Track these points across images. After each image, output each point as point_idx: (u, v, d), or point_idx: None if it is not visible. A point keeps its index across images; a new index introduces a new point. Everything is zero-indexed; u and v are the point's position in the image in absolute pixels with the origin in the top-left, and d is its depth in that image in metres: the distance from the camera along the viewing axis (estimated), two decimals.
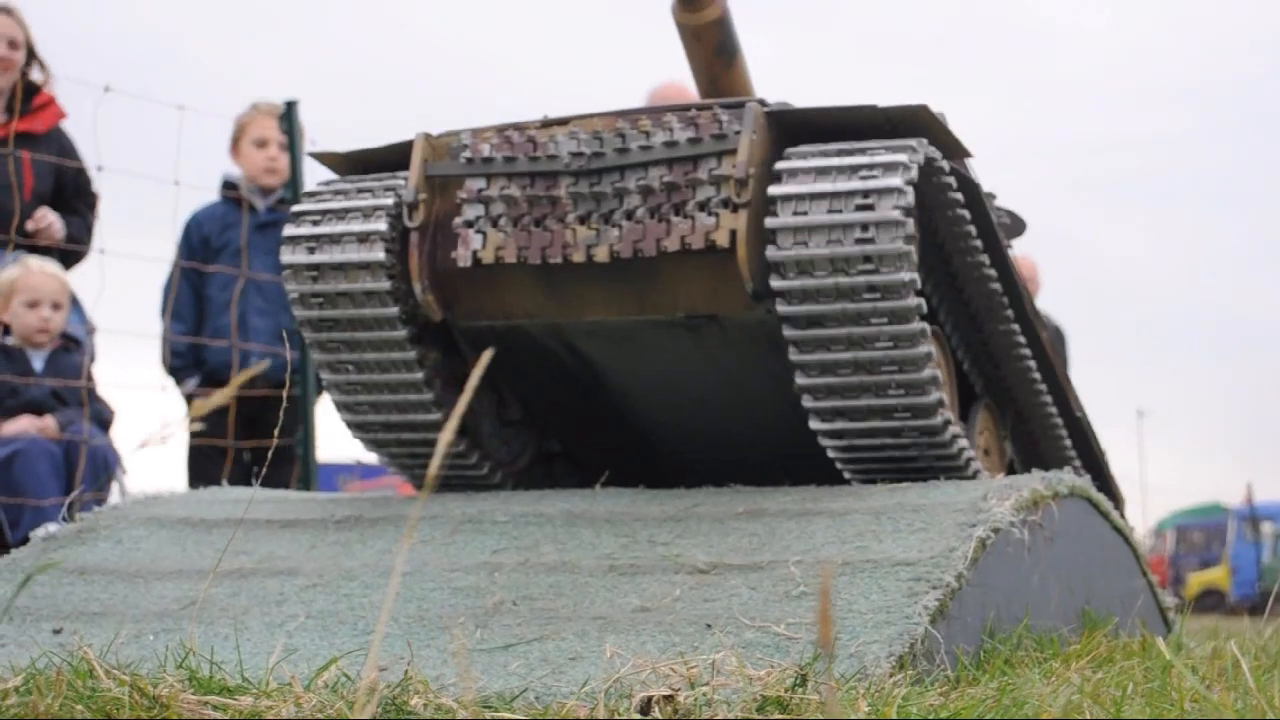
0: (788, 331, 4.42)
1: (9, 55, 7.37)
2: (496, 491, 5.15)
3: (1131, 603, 4.92)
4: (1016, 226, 5.71)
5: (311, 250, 4.81)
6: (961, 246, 4.86)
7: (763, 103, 4.47)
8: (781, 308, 4.37)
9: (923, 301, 4.36)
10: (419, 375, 4.92)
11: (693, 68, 5.13)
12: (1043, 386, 5.56)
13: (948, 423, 4.60)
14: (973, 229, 4.83)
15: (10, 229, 7.14)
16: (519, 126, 4.65)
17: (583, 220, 4.53)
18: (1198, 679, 3.39)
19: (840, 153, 4.37)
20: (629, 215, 4.48)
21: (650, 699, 3.15)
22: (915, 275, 4.30)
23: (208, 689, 3.37)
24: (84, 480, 6.94)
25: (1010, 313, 5.15)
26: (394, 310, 4.77)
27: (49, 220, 7.30)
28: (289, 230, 4.87)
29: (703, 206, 4.42)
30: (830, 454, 4.73)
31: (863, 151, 4.35)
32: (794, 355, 4.44)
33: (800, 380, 4.48)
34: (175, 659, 3.72)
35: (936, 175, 4.58)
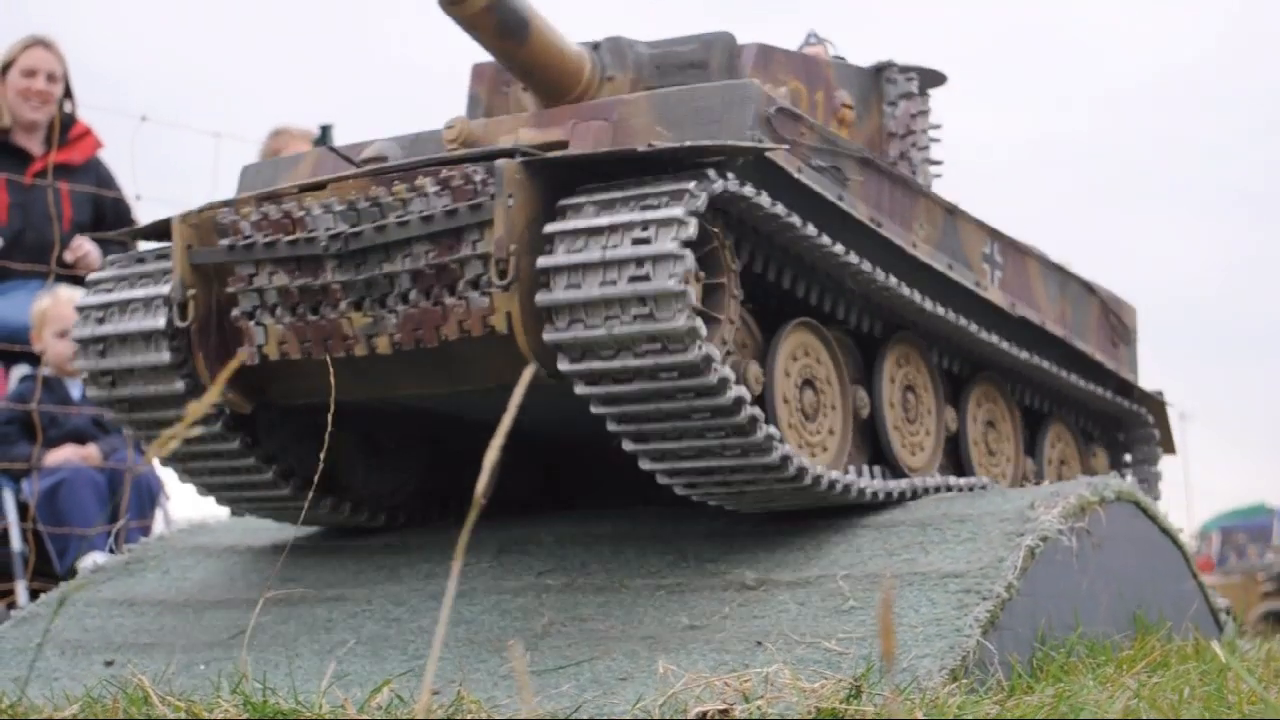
0: (589, 401, 4.08)
1: (48, 89, 7.43)
2: (539, 515, 5.15)
3: (1183, 606, 4.89)
4: (934, 77, 5.36)
5: (101, 353, 4.50)
6: (827, 268, 4.50)
7: (518, 153, 4.08)
8: (578, 388, 4.03)
9: (713, 351, 3.92)
10: (250, 461, 4.61)
11: (486, 51, 4.73)
12: (1043, 363, 5.40)
13: (769, 437, 4.13)
14: (833, 247, 4.39)
15: (51, 259, 7.18)
16: (276, 197, 4.31)
17: (357, 306, 4.19)
18: (1255, 680, 3.37)
19: (616, 202, 3.96)
20: (403, 298, 4.15)
21: (705, 714, 3.15)
22: (707, 349, 3.89)
23: (262, 713, 3.38)
24: (129, 508, 6.97)
25: (924, 301, 4.77)
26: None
27: (86, 250, 7.35)
28: (78, 313, 4.54)
29: (475, 284, 4.06)
30: (668, 484, 4.31)
31: (639, 201, 3.94)
32: (595, 409, 4.08)
33: (612, 427, 4.11)
34: (229, 685, 3.73)
35: (749, 212, 4.15)
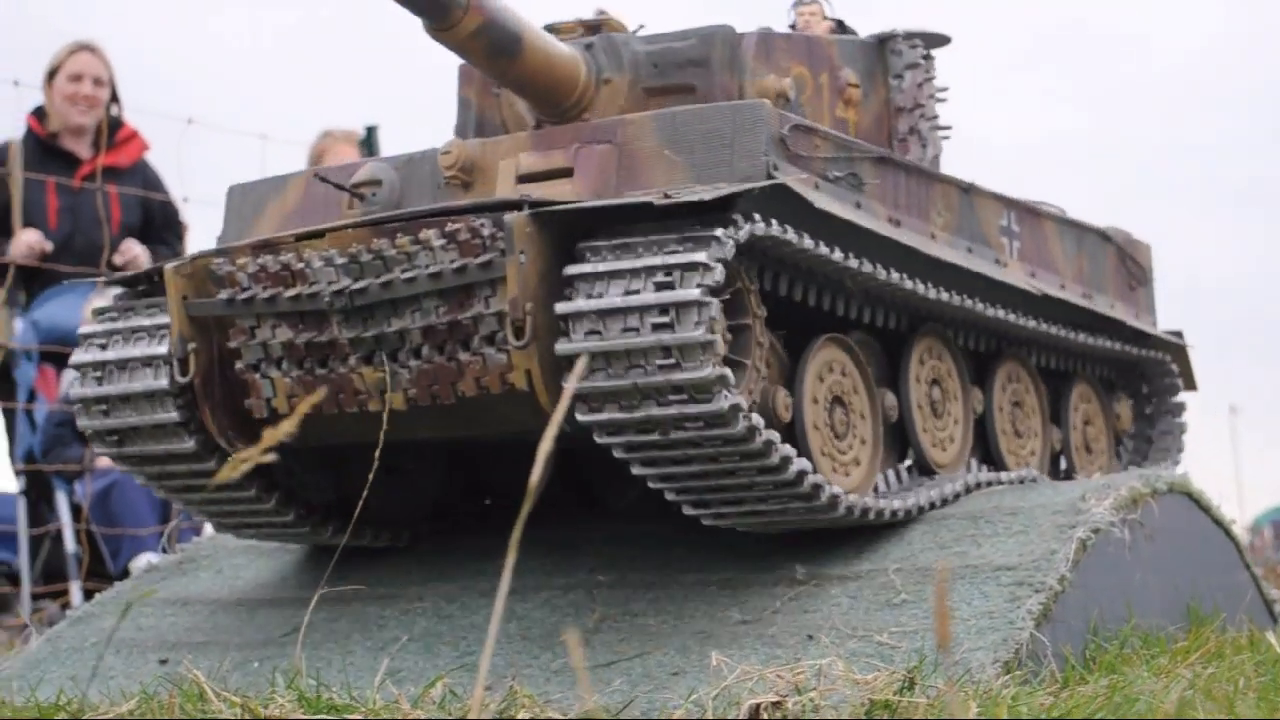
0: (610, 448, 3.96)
1: (95, 93, 7.49)
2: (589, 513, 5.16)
3: (1236, 597, 4.86)
4: (938, 39, 5.24)
5: (105, 413, 4.34)
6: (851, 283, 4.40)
7: (527, 205, 3.90)
8: (597, 437, 3.90)
9: (740, 400, 3.80)
10: (269, 505, 4.48)
11: (477, 69, 4.60)
12: (1055, 329, 5.27)
13: (801, 473, 4.00)
14: (847, 261, 4.26)
15: (100, 262, 7.24)
16: (272, 245, 4.14)
17: (367, 360, 4.05)
18: None
19: (638, 246, 3.83)
20: (415, 353, 4.01)
21: (758, 705, 3.15)
22: (733, 398, 3.77)
23: (317, 708, 3.40)
24: (180, 509, 7.02)
25: (929, 291, 4.63)
26: (211, 465, 4.29)
27: (134, 253, 7.40)
28: (75, 371, 4.38)
29: (490, 340, 3.92)
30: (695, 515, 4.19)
31: (662, 246, 3.81)
32: (618, 455, 3.96)
33: (636, 470, 3.99)
34: (284, 682, 3.75)
35: (774, 247, 4.06)
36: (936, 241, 4.69)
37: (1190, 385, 6.20)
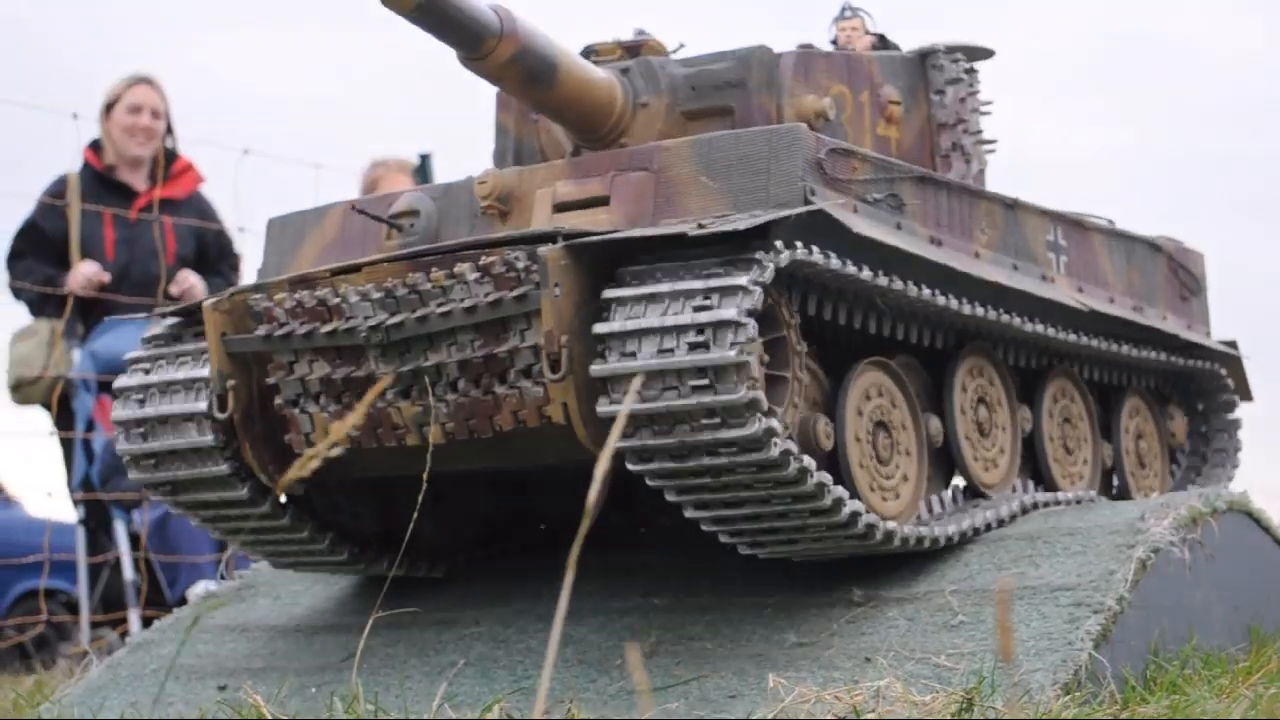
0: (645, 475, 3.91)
1: (152, 124, 7.55)
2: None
3: None
4: (980, 53, 5.17)
5: (144, 436, 4.34)
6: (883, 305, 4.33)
7: (561, 236, 3.88)
8: (631, 463, 3.86)
9: (775, 425, 3.76)
10: (304, 534, 4.47)
11: (513, 97, 4.59)
12: (1098, 343, 5.14)
13: (838, 500, 3.94)
14: (879, 280, 4.20)
15: (157, 293, 7.29)
16: (308, 280, 4.15)
17: (404, 394, 4.05)
18: None
19: (679, 270, 3.82)
20: (452, 386, 4.00)
21: None
22: (767, 422, 3.73)
23: None
24: None
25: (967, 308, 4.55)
26: (243, 493, 4.32)
27: (190, 283, 7.45)
28: (116, 396, 4.38)
29: (526, 373, 3.91)
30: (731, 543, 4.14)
31: (702, 269, 3.80)
32: (652, 482, 3.92)
33: (670, 497, 3.96)
34: (342, 707, 3.76)
35: (814, 273, 4.03)
36: (980, 260, 4.65)
37: (1246, 396, 6.09)
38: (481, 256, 3.92)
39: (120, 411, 4.35)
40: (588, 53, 4.69)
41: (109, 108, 7.58)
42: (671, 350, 3.69)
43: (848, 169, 4.20)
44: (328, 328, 4.07)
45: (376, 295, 4.02)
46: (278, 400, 4.20)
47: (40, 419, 7.83)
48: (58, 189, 7.45)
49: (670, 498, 3.92)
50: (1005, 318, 4.71)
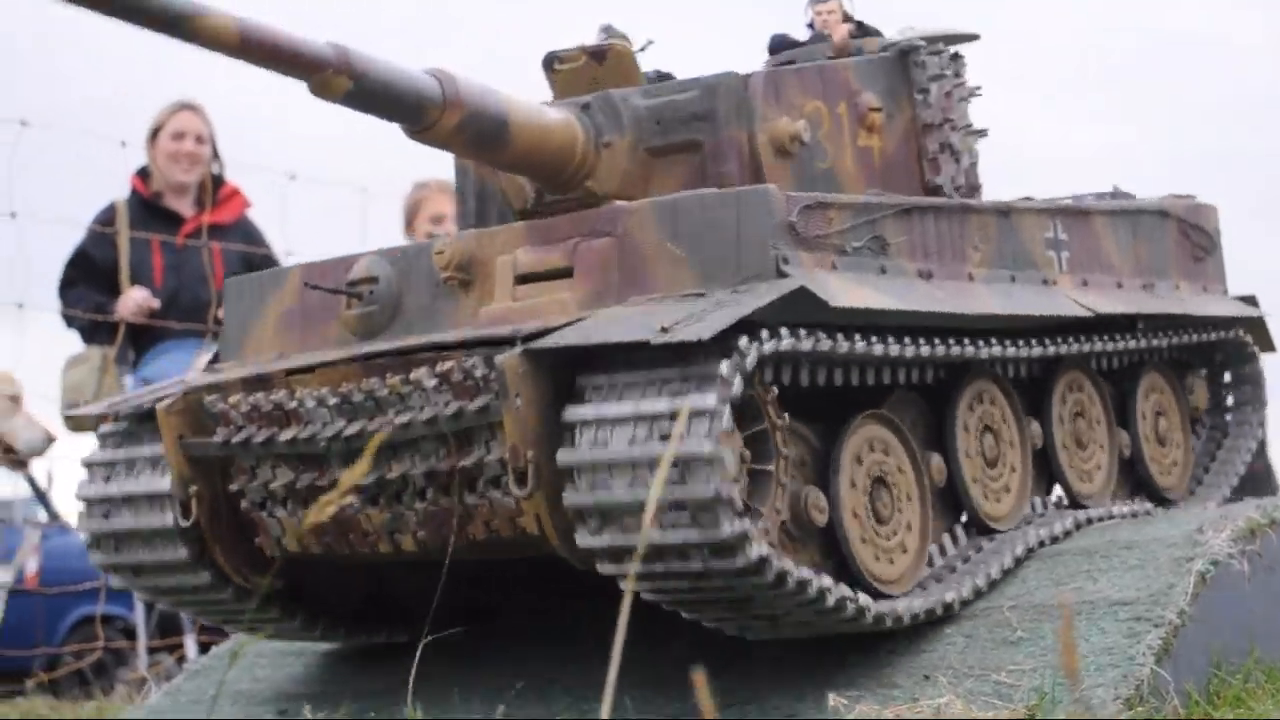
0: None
1: (197, 150, 7.59)
2: None
3: None
4: (964, 38, 4.95)
5: (115, 548, 4.26)
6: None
7: (520, 341, 3.67)
8: (601, 567, 3.67)
9: (767, 551, 3.58)
10: (295, 624, 4.41)
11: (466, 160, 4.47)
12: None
13: (823, 590, 3.72)
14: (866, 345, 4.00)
15: (206, 318, 7.33)
16: (265, 381, 4.02)
17: (373, 501, 3.91)
18: None
19: (640, 385, 3.60)
20: (421, 495, 3.85)
21: None
22: (759, 549, 3.54)
23: None
24: None
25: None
26: (226, 594, 4.25)
27: None
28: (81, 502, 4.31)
29: (496, 483, 3.75)
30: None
31: (665, 385, 3.57)
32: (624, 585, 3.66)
33: (647, 597, 3.74)
34: None
35: (789, 363, 3.83)
36: (974, 284, 4.42)
37: (1268, 347, 5.89)
38: (439, 361, 3.75)
39: (86, 523, 4.27)
40: (550, 60, 4.55)
41: (154, 135, 7.62)
42: (644, 483, 3.48)
43: (823, 223, 3.97)
44: (287, 435, 3.93)
45: (333, 401, 3.87)
46: (244, 504, 4.09)
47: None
48: (106, 217, 7.50)
49: (647, 597, 3.71)
50: (1004, 349, 4.52)
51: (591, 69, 4.49)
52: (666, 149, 4.33)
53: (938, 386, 4.48)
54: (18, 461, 6.88)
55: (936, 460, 4.38)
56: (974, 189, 4.87)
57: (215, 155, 7.73)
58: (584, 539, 3.59)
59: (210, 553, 4.14)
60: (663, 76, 4.64)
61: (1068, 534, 4.61)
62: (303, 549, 4.06)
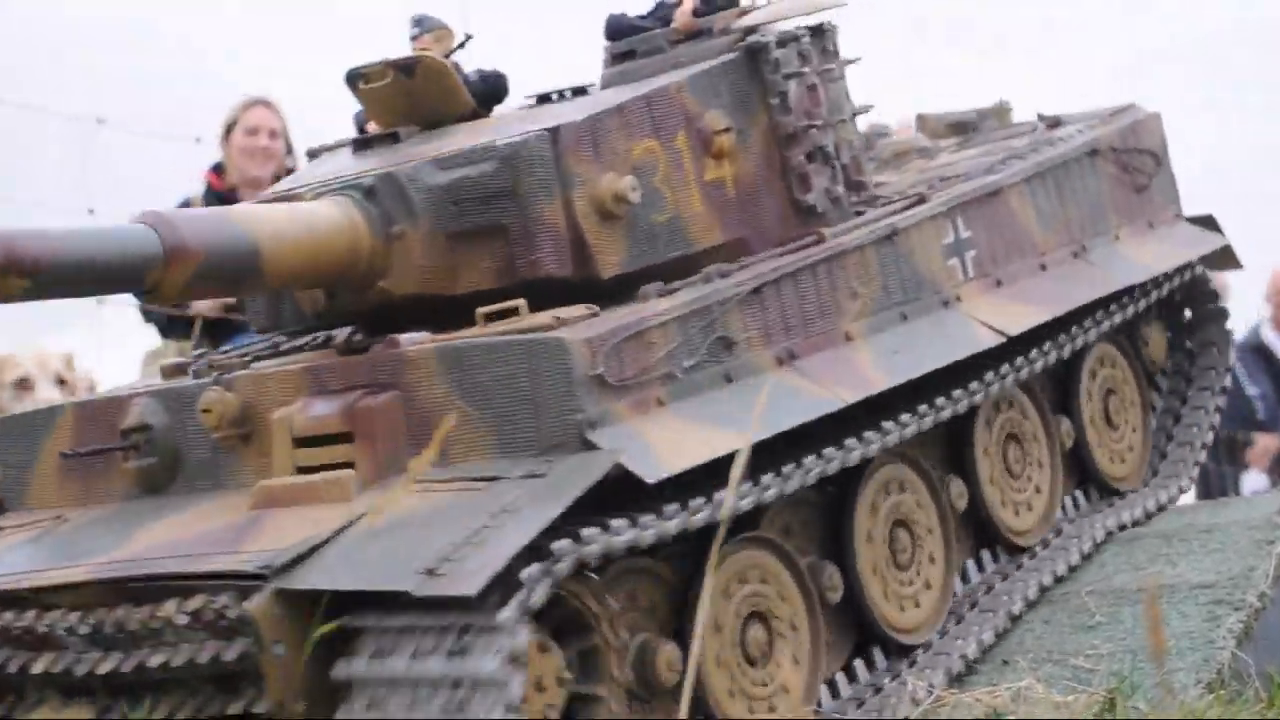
0: None
1: (271, 145, 7.63)
2: None
3: None
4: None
5: None
6: None
7: (271, 575, 3.09)
8: None
9: None
10: None
11: None
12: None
13: None
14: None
15: None
16: (14, 599, 3.45)
17: None
18: None
19: (417, 631, 3.02)
20: None
21: None
22: None
23: None
24: None
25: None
26: None
27: None
28: None
29: None
30: None
31: (444, 634, 2.99)
32: None
33: None
34: None
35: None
36: (851, 345, 3.81)
37: (1234, 265, 5.28)
38: (189, 596, 3.20)
39: None
40: (354, 78, 3.99)
41: (228, 130, 7.68)
42: None
43: (641, 355, 3.36)
44: (42, 663, 3.43)
45: (84, 630, 3.35)
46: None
47: None
48: None
49: None
50: (899, 427, 3.86)
51: (402, 85, 3.91)
52: (467, 236, 3.68)
53: (837, 480, 3.85)
54: None
55: (830, 574, 3.79)
56: (859, 186, 4.24)
57: (289, 149, 7.78)
58: None
59: None
60: (488, 79, 4.13)
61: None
62: None
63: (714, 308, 3.51)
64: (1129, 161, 4.85)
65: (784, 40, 4.05)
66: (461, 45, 4.11)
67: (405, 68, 3.88)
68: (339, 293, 3.76)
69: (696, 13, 4.17)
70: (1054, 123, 4.97)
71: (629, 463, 3.14)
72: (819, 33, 4.18)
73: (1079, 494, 4.62)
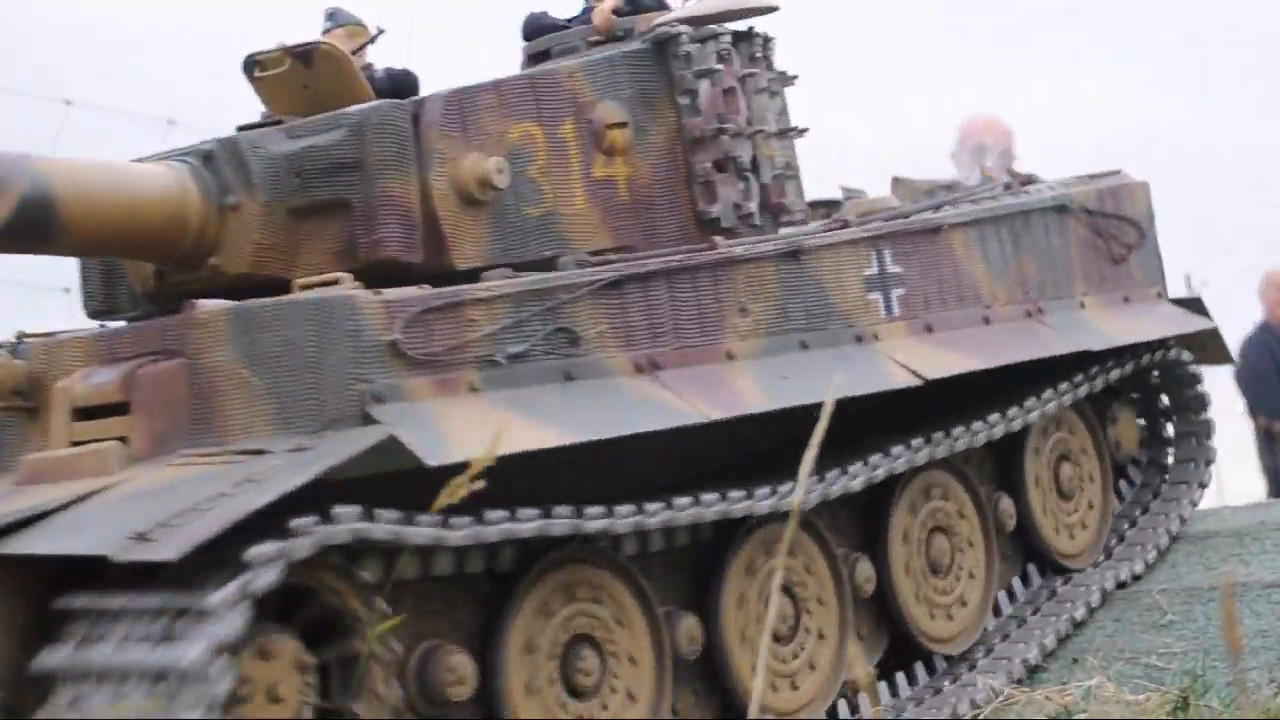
0: None
1: None
2: None
3: None
4: (755, 11, 3.88)
5: None
6: None
7: None
8: None
9: None
10: None
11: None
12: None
13: None
14: None
15: None
16: None
17: None
18: None
19: (124, 616, 2.77)
20: None
21: None
22: None
23: None
24: None
25: None
26: None
27: None
28: None
29: None
30: None
31: (153, 620, 2.72)
32: None
33: None
34: None
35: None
36: (733, 364, 3.38)
37: (1224, 359, 4.89)
38: None
39: None
40: (250, 64, 3.78)
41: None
42: None
43: (456, 332, 3.09)
44: None
45: None
46: None
47: None
48: None
49: None
50: (772, 495, 3.49)
51: (298, 74, 3.67)
52: (310, 210, 3.48)
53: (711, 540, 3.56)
54: None
55: (690, 623, 3.49)
56: (780, 209, 3.91)
57: None
58: None
59: None
60: (395, 77, 3.97)
61: None
62: None
63: (557, 292, 3.21)
64: (1105, 227, 4.45)
65: (702, 37, 3.71)
66: (373, 40, 3.91)
67: (303, 55, 3.66)
68: (167, 269, 3.45)
69: (618, 13, 3.89)
70: (1027, 180, 4.61)
71: (406, 439, 2.87)
72: (746, 37, 3.87)
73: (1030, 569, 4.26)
